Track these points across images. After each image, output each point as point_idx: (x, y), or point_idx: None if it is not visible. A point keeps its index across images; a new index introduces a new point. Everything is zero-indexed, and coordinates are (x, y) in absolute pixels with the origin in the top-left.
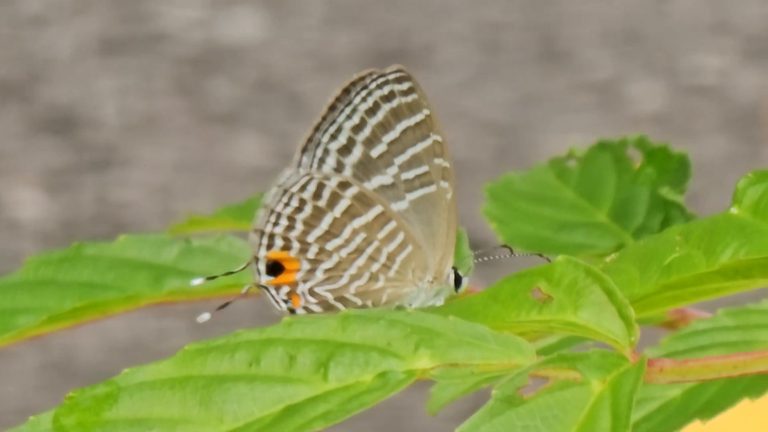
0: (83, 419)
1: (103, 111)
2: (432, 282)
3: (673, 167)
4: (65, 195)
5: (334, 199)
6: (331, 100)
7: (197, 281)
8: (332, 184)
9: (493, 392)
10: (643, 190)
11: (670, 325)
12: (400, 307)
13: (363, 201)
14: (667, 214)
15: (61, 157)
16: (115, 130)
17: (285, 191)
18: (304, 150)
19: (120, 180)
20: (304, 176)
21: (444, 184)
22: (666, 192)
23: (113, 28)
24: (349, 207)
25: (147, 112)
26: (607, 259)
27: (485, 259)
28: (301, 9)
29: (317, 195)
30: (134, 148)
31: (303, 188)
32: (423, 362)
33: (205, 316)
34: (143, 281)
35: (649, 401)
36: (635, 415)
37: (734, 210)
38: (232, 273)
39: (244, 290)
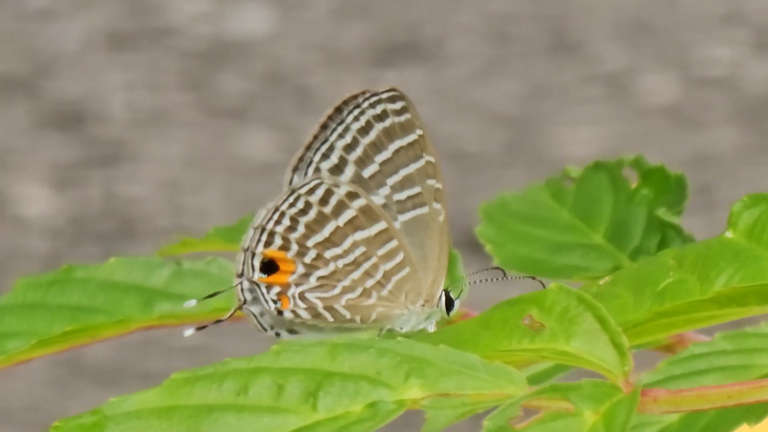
0: None
1: (111, 106)
2: (423, 305)
3: (670, 187)
4: (73, 190)
5: (340, 207)
6: (323, 118)
7: (191, 303)
8: (341, 192)
9: (485, 423)
10: (640, 211)
11: (668, 348)
12: (390, 331)
13: (368, 214)
14: (663, 235)
15: (69, 153)
16: (123, 125)
17: (293, 191)
18: (295, 169)
19: (128, 175)
20: (314, 179)
21: (436, 206)
22: (663, 213)
23: (120, 22)
24: (354, 218)
25: (155, 107)
26: (601, 282)
27: (478, 282)
28: (309, 1)
29: (324, 200)
30: (142, 142)
31: (311, 191)
32: (413, 392)
33: (189, 331)
34: (133, 305)
35: (647, 426)
36: None
37: (729, 234)
38: (216, 294)
39: (227, 315)
